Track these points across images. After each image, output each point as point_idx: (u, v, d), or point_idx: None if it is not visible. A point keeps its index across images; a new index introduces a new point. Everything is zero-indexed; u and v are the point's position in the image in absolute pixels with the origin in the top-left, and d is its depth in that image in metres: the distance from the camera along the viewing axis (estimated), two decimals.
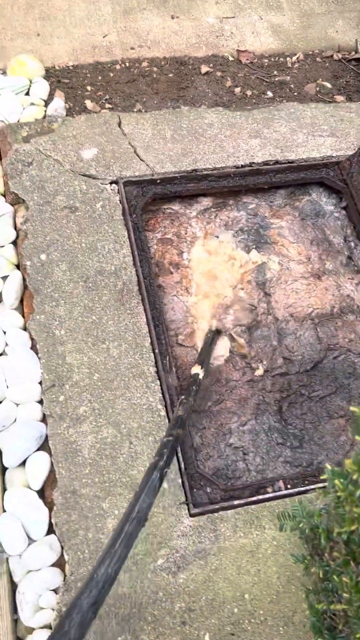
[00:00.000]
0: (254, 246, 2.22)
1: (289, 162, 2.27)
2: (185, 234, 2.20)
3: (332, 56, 2.95)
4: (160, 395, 1.74)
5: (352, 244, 2.29)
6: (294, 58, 2.89)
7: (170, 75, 2.67)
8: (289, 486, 1.69)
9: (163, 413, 1.71)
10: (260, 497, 1.63)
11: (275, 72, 2.81)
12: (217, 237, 2.21)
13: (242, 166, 2.23)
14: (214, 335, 1.96)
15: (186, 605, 1.48)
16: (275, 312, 2.08)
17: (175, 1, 2.89)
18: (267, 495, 1.63)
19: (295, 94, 2.74)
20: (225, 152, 2.26)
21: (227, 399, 1.91)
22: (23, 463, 1.64)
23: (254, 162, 2.24)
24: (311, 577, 1.13)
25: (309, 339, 2.05)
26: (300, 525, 1.16)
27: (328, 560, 1.00)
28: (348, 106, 2.57)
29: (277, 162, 2.26)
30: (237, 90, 2.68)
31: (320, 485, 1.65)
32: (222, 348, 1.97)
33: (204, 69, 2.72)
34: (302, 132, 2.38)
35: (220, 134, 2.32)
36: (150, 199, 2.14)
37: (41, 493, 1.63)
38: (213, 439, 1.83)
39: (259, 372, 1.96)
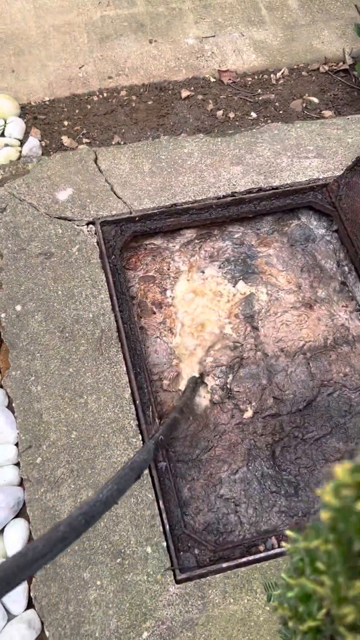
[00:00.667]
0: (241, 277, 2.13)
1: (273, 189, 2.17)
2: (168, 269, 2.12)
3: (318, 69, 2.84)
4: None
5: (346, 268, 2.18)
6: (279, 74, 2.79)
7: (150, 102, 2.59)
8: (282, 543, 1.59)
9: (146, 471, 1.62)
10: (251, 557, 1.53)
11: (259, 91, 2.72)
12: (203, 272, 2.12)
13: (224, 197, 2.14)
14: (197, 381, 1.87)
15: None
16: (264, 348, 1.99)
17: (153, 24, 2.82)
18: (258, 556, 1.53)
19: (281, 112, 2.64)
20: (206, 183, 2.17)
21: (217, 445, 1.82)
22: (1, 531, 1.57)
23: (235, 192, 2.15)
24: None
25: (301, 375, 1.94)
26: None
27: None
28: (335, 122, 2.46)
29: (260, 189, 2.17)
30: (219, 113, 2.59)
31: None
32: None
33: (185, 93, 2.64)
34: (286, 155, 2.28)
35: (201, 163, 2.23)
36: (130, 238, 2.07)
37: None
38: (202, 490, 1.74)
39: (248, 414, 1.86)
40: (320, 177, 2.23)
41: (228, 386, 1.90)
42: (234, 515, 1.71)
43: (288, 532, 0.60)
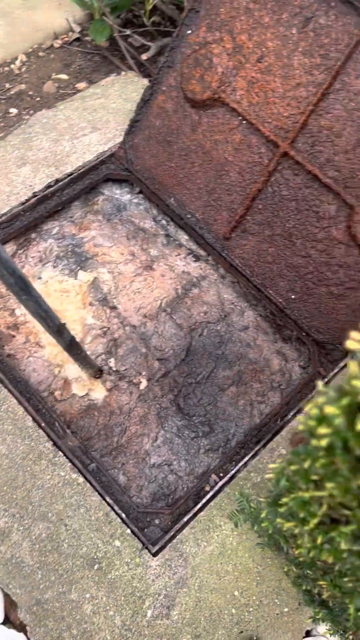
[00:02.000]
0: (78, 267, 2.18)
1: (69, 176, 2.21)
2: (6, 290, 2.09)
3: (52, 45, 2.86)
4: (69, 464, 1.69)
5: (164, 221, 2.33)
6: (17, 62, 2.76)
7: None
8: (221, 474, 1.76)
9: (81, 480, 1.67)
10: (203, 500, 1.68)
11: (7, 85, 2.67)
12: (40, 278, 2.13)
13: (27, 200, 2.14)
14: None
15: (192, 635, 1.52)
16: (130, 321, 2.09)
17: None
18: (207, 497, 1.69)
19: (38, 99, 2.64)
20: (4, 194, 2.14)
21: (130, 425, 1.92)
22: None
23: (36, 192, 2.16)
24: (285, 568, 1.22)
25: (170, 330, 2.09)
26: (255, 527, 1.23)
27: (294, 556, 1.08)
28: (93, 92, 2.54)
29: (57, 180, 2.20)
30: None
31: (246, 459, 1.75)
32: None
33: None
34: (65, 140, 2.32)
35: None
36: None
37: (7, 621, 1.55)
38: (136, 469, 1.84)
39: (143, 384, 1.98)
40: (106, 148, 2.31)
41: (114, 369, 1.99)
42: (172, 474, 1.84)
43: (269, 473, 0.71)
